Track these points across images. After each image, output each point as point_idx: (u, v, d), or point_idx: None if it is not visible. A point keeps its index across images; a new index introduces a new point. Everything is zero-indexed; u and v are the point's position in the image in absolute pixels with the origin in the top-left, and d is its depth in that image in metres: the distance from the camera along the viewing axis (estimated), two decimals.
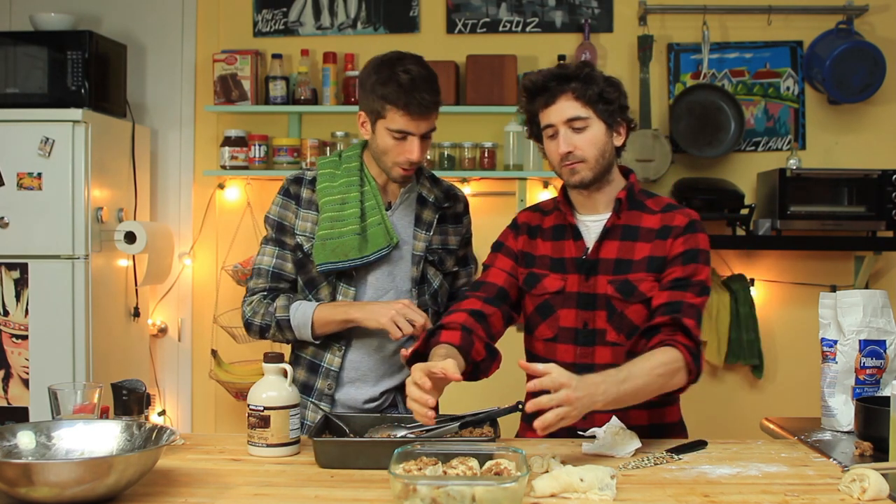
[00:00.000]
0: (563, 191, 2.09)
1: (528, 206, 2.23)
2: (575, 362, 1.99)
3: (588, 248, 2.02)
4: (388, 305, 2.05)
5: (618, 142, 2.02)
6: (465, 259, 2.33)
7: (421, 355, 1.91)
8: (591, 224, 2.05)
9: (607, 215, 2.03)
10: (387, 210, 2.16)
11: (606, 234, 2.01)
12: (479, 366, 1.98)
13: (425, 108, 2.03)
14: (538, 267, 2.07)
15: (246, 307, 2.17)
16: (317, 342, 2.13)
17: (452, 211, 2.27)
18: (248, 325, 2.18)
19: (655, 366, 1.80)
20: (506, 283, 2.08)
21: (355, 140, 3.80)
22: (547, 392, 1.64)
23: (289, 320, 2.11)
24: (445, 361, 1.74)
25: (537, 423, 1.62)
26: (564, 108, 1.97)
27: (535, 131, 2.06)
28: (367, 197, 2.14)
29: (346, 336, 2.15)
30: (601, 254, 2.01)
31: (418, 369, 1.71)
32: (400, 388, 2.19)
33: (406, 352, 2.01)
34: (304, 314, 2.10)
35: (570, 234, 2.05)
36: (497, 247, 2.15)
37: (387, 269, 2.16)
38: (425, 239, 2.19)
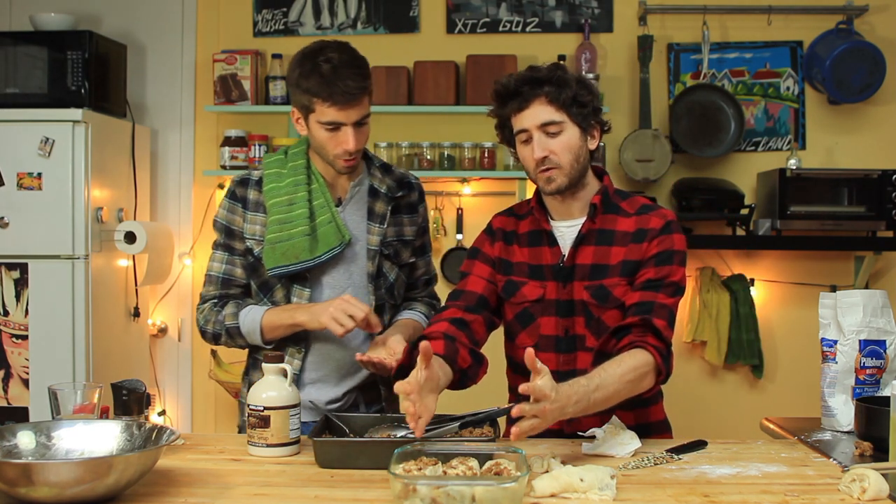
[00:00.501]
0: (537, 196, 2.06)
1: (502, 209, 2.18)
2: (558, 370, 1.96)
3: (564, 255, 2.00)
4: (327, 304, 1.99)
5: (592, 145, 1.99)
6: (422, 248, 2.28)
7: (406, 368, 1.85)
8: (566, 230, 2.02)
9: (582, 220, 2.00)
10: (337, 206, 2.11)
11: (582, 239, 1.98)
12: (466, 373, 1.93)
13: (351, 96, 1.96)
14: (516, 274, 2.04)
15: (199, 315, 2.12)
16: (268, 346, 2.08)
17: (406, 201, 2.22)
18: (202, 334, 2.14)
19: (626, 372, 1.79)
20: (485, 291, 2.05)
21: None
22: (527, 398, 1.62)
23: (238, 327, 2.06)
24: (421, 345, 1.68)
25: (514, 431, 1.61)
26: (538, 113, 1.93)
27: (508, 136, 2.02)
28: (315, 195, 2.08)
29: (304, 338, 2.10)
30: (577, 260, 1.98)
31: (404, 385, 1.66)
32: (361, 388, 2.16)
33: (362, 356, 1.98)
34: (252, 320, 2.06)
35: (545, 240, 2.02)
36: (473, 253, 2.11)
37: (342, 267, 2.11)
38: (379, 232, 2.14)
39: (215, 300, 2.12)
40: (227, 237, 2.13)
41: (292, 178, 2.09)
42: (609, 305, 1.95)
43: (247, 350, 2.21)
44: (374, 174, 2.18)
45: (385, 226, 2.15)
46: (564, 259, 1.99)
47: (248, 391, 2.14)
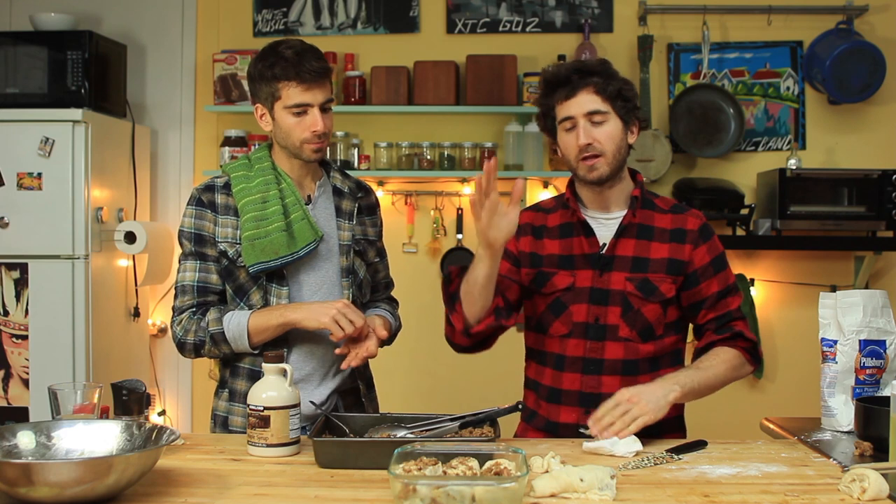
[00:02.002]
0: (571, 188, 2.11)
1: (528, 206, 2.23)
2: (584, 356, 2.02)
3: (604, 244, 2.04)
4: (329, 305, 2.00)
5: (631, 139, 2.06)
6: (382, 251, 2.32)
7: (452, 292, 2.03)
8: (605, 221, 2.07)
9: (617, 213, 2.06)
10: (307, 204, 2.13)
11: (623, 231, 2.04)
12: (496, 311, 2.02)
13: (316, 75, 2.03)
14: (546, 266, 2.08)
15: (176, 327, 2.07)
16: (255, 352, 2.06)
17: (366, 202, 2.26)
18: (181, 346, 2.08)
19: (725, 359, 2.00)
20: (501, 285, 2.06)
21: (355, 140, 3.81)
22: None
23: (223, 333, 2.03)
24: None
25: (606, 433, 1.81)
26: (585, 102, 2.00)
27: (550, 125, 2.08)
28: (285, 194, 2.10)
29: (286, 339, 2.08)
30: (617, 251, 2.03)
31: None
32: (341, 392, 2.16)
33: (343, 352, 2.04)
34: (238, 324, 2.03)
35: (579, 230, 2.07)
36: None
37: (316, 263, 2.12)
38: (349, 228, 2.17)
39: (193, 308, 2.07)
40: (198, 244, 2.09)
41: (262, 177, 2.10)
42: (653, 299, 2.01)
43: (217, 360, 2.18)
44: (335, 176, 2.22)
45: (354, 222, 2.18)
46: (605, 248, 2.03)
47: (225, 403, 2.14)
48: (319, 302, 2.06)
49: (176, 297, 2.11)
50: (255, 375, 2.02)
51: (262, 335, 2.04)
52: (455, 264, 3.70)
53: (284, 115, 2.05)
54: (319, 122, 2.05)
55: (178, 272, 2.11)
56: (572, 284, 2.04)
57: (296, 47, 2.03)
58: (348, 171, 2.40)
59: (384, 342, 2.12)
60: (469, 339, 2.02)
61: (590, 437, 1.86)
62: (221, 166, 2.24)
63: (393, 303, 2.36)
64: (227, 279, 2.10)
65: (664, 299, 2.01)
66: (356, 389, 2.20)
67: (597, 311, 2.02)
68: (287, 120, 2.05)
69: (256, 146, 2.22)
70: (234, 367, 2.13)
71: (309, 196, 2.15)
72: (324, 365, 2.13)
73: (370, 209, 2.27)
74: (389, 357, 2.30)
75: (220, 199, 2.11)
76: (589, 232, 2.05)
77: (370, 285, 2.26)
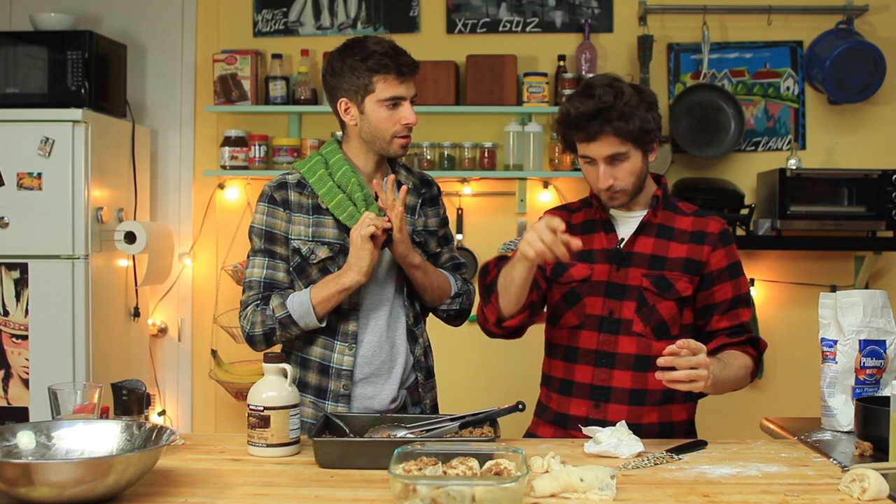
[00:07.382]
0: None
1: (555, 206, 2.29)
2: (597, 349, 2.04)
3: (623, 239, 2.08)
4: (357, 249, 2.01)
5: (652, 158, 2.08)
6: (445, 237, 2.33)
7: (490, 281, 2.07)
8: (625, 219, 2.11)
9: (638, 213, 2.10)
10: (376, 200, 2.14)
11: (642, 228, 2.07)
12: (533, 305, 2.04)
13: (411, 69, 2.08)
14: None
15: (243, 322, 2.11)
16: (322, 325, 2.08)
17: (429, 195, 2.29)
18: (250, 339, 2.11)
19: (742, 363, 1.99)
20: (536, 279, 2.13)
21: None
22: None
23: (290, 315, 2.06)
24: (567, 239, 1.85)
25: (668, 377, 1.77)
26: (604, 147, 1.99)
27: (571, 146, 2.09)
28: (355, 190, 2.11)
29: (353, 334, 2.11)
30: (636, 247, 2.07)
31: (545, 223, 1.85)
32: (408, 388, 2.18)
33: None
34: (301, 303, 2.05)
35: (600, 227, 2.11)
36: None
37: (381, 259, 2.13)
38: (411, 223, 2.20)
39: (258, 302, 2.10)
40: (269, 242, 2.12)
41: (339, 171, 2.12)
42: (669, 296, 2.03)
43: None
44: (400, 172, 2.25)
45: (416, 217, 2.21)
46: (623, 243, 2.07)
47: None
48: (352, 255, 2.04)
49: (243, 292, 2.14)
50: (325, 369, 2.11)
51: (326, 305, 2.06)
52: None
53: (376, 108, 2.07)
54: (412, 115, 2.09)
55: (247, 268, 2.15)
56: (589, 276, 2.07)
57: (384, 43, 2.07)
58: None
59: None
60: (501, 330, 2.07)
61: (587, 437, 1.86)
62: (293, 164, 2.25)
63: (462, 276, 2.33)
64: (300, 276, 2.12)
65: (680, 297, 2.03)
66: (417, 382, 2.21)
67: (612, 305, 2.04)
68: (379, 113, 2.07)
69: (325, 142, 2.24)
70: (304, 360, 2.14)
71: (375, 194, 2.16)
72: (391, 358, 2.15)
73: (432, 200, 2.30)
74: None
75: (293, 196, 2.13)
76: (609, 228, 2.10)
77: None
